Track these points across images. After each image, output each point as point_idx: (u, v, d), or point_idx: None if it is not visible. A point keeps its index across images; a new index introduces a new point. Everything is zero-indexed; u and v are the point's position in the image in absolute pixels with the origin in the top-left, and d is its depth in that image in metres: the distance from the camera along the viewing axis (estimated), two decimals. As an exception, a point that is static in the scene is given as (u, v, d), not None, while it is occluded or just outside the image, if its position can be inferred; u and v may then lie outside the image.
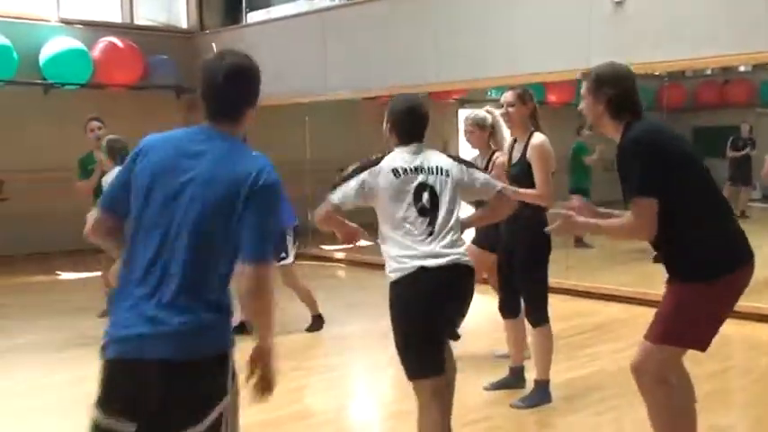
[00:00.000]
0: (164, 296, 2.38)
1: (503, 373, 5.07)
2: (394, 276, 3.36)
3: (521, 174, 4.64)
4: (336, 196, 3.48)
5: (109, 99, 11.30)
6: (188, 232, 2.41)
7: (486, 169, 5.33)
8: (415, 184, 3.40)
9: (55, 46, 11.06)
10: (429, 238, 3.35)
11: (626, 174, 3.18)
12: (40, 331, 6.56)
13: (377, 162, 3.46)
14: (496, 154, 5.38)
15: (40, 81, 11.12)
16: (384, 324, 6.03)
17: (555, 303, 5.01)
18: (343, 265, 10.65)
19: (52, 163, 10.77)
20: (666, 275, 3.31)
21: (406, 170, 3.42)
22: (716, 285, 3.15)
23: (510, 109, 4.75)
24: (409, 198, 3.38)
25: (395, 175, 3.41)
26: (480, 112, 5.51)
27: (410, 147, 3.50)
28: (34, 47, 10.99)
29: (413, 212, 3.38)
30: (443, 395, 3.42)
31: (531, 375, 4.93)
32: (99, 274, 7.44)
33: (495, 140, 5.43)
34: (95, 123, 7.23)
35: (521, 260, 4.71)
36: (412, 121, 3.54)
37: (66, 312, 7.44)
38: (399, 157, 3.46)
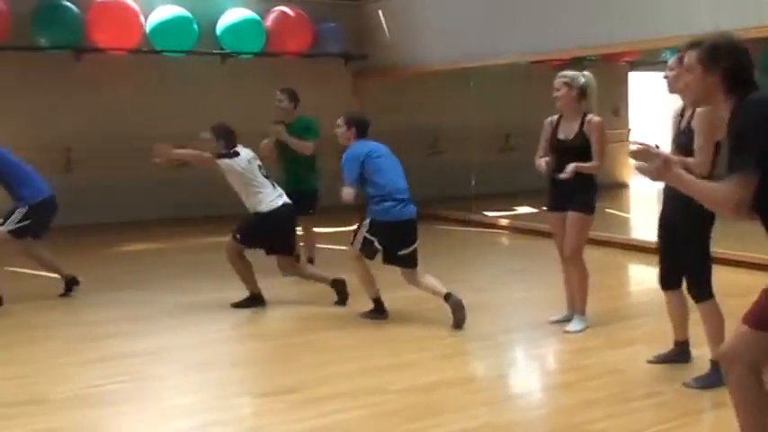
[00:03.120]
0: None
1: (670, 346, 4.88)
2: None
3: (688, 142, 4.43)
4: None
5: (281, 67, 11.68)
6: None
7: (580, 133, 5.44)
8: None
9: (231, 16, 11.54)
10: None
11: (733, 143, 2.92)
12: (217, 290, 6.90)
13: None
14: (588, 116, 5.47)
15: (217, 51, 11.66)
16: (547, 291, 5.99)
17: (728, 277, 4.77)
18: (506, 232, 10.56)
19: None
20: None
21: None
22: None
23: (669, 73, 4.56)
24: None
25: None
26: (572, 72, 5.57)
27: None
28: (213, 18, 11.51)
29: None
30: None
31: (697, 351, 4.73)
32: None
33: (586, 105, 5.53)
34: (278, 95, 7.54)
35: (682, 231, 4.50)
36: None
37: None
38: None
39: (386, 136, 12.17)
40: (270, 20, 11.81)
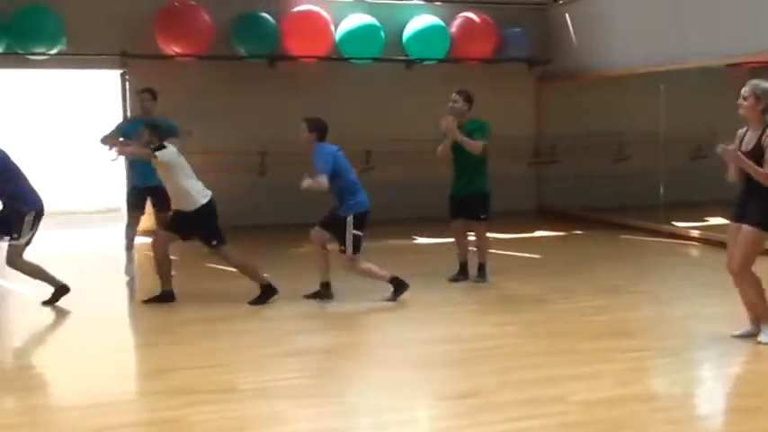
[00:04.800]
0: None
1: None
2: None
3: None
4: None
5: (464, 72, 11.73)
6: None
7: (758, 143, 5.21)
8: None
9: (417, 23, 11.75)
10: None
11: None
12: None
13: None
14: None
15: (402, 57, 11.91)
16: (736, 307, 5.65)
17: None
18: (696, 243, 10.06)
19: (413, 134, 11.49)
20: None
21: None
22: None
23: None
24: None
25: None
26: (765, 83, 5.24)
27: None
28: (399, 25, 11.79)
29: None
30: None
31: None
32: (451, 240, 7.87)
33: None
34: (453, 96, 7.64)
35: None
36: None
37: (420, 275, 7.87)
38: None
39: (568, 141, 11.89)
40: (454, 26, 11.92)
